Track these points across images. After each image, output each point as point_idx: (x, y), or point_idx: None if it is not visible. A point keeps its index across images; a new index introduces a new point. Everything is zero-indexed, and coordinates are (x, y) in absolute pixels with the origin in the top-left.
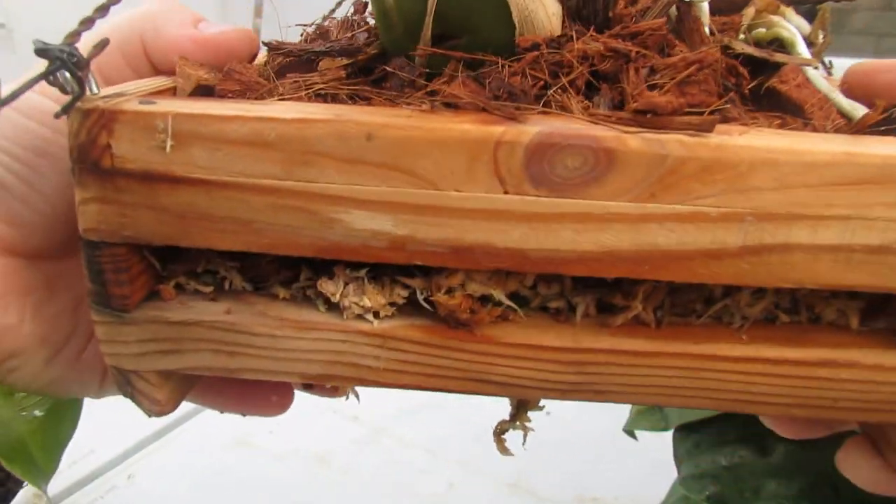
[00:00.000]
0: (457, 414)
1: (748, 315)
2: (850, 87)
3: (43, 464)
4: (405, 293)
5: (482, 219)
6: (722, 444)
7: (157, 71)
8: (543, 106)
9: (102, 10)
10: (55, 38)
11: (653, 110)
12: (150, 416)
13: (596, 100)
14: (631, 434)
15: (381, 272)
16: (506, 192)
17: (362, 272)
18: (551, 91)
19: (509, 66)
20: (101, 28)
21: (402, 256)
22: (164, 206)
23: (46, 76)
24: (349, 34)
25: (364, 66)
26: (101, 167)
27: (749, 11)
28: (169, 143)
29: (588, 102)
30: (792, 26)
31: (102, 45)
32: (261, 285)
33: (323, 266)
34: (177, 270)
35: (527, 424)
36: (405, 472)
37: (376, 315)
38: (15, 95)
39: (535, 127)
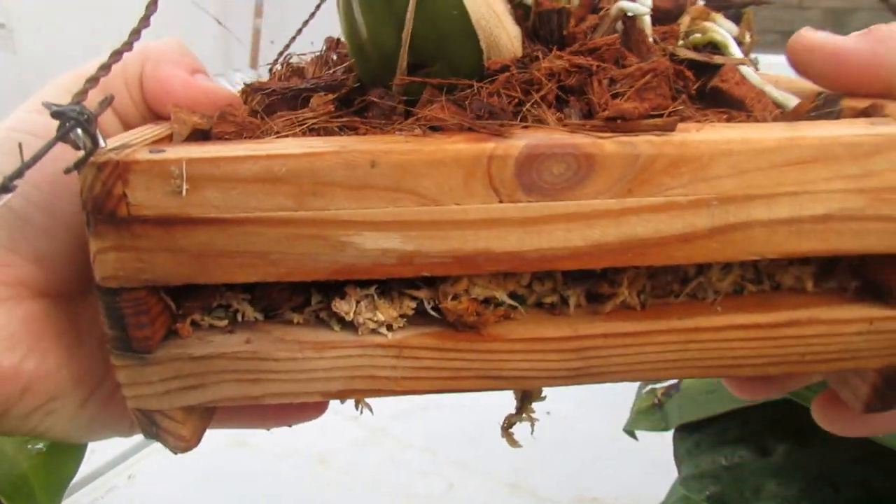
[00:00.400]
0: (456, 414)
1: (719, 289)
2: (798, 64)
3: (45, 502)
4: (413, 304)
5: (481, 227)
6: (722, 444)
7: (146, 99)
8: (521, 121)
9: (105, 69)
10: (55, 39)
11: (621, 116)
12: (176, 453)
13: (567, 111)
14: (631, 434)
15: (388, 287)
16: (501, 202)
17: (372, 289)
18: (526, 107)
19: (485, 88)
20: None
21: (411, 270)
22: (182, 247)
23: (61, 137)
24: (329, 70)
25: (345, 98)
26: (117, 216)
27: (685, 20)
28: (184, 187)
29: (560, 114)
30: (723, 30)
31: (108, 101)
32: (272, 313)
33: (332, 288)
34: (192, 308)
35: (532, 415)
36: (404, 472)
37: (389, 328)
38: (35, 159)
39: (522, 140)
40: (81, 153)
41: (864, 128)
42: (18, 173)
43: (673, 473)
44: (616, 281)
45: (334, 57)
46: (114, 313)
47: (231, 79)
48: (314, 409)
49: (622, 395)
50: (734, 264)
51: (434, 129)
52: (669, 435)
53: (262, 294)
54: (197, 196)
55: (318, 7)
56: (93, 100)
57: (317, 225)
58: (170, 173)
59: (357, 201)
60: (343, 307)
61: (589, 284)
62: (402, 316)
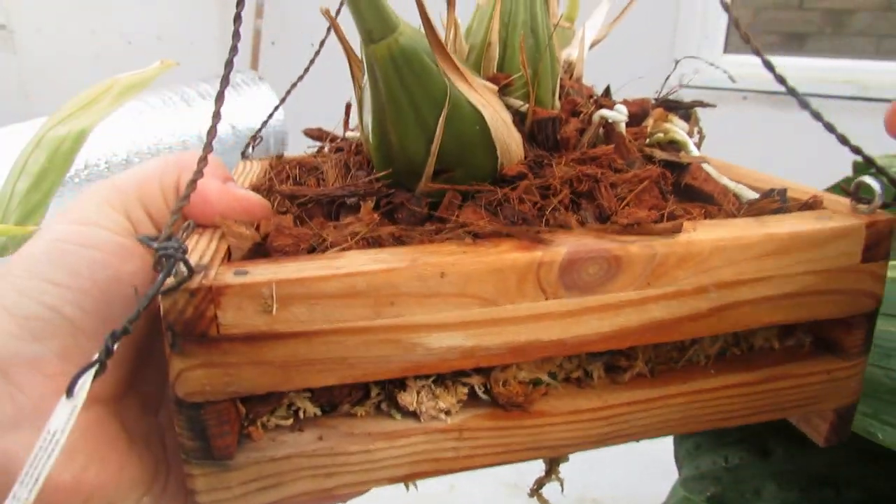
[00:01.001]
0: None
1: (710, 353)
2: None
3: None
4: (465, 389)
5: (531, 321)
6: (722, 446)
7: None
8: (545, 224)
9: (177, 213)
10: (55, 40)
11: (637, 222)
12: None
13: (582, 213)
14: None
15: (443, 376)
16: (547, 299)
17: (430, 380)
18: (548, 211)
19: (509, 193)
20: (149, 164)
21: (472, 362)
22: (268, 360)
23: (168, 274)
24: (347, 173)
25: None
26: (207, 337)
27: (650, 121)
28: (275, 306)
29: (577, 216)
30: (682, 131)
31: (192, 227)
32: (328, 409)
33: (390, 380)
34: (261, 411)
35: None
36: None
37: (448, 413)
38: (149, 298)
39: (563, 248)
40: (171, 280)
41: (817, 222)
42: (136, 316)
43: (673, 474)
44: (632, 355)
45: (353, 159)
46: (196, 426)
47: (232, 80)
48: None
49: None
50: (720, 334)
51: (476, 236)
52: (670, 436)
53: (322, 391)
54: (284, 313)
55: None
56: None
57: (391, 331)
58: (260, 294)
59: (427, 307)
60: (407, 399)
61: (606, 359)
62: (458, 402)
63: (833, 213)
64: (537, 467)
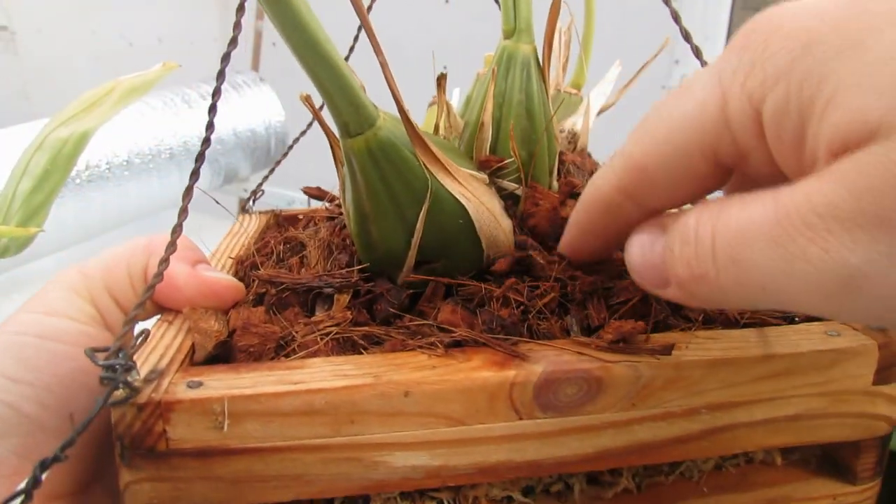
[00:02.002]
0: None
1: (703, 469)
2: None
3: None
4: None
5: (503, 442)
6: None
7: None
8: (526, 330)
9: (132, 323)
10: (56, 41)
11: (623, 339)
12: None
13: (568, 319)
14: None
15: (407, 492)
16: (521, 419)
17: (395, 493)
18: (531, 314)
19: (492, 289)
20: (118, 248)
21: (437, 482)
22: (219, 476)
23: (107, 399)
24: (329, 255)
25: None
26: (155, 451)
27: None
28: (226, 423)
29: (563, 321)
30: None
31: (145, 337)
32: None
33: (350, 499)
34: None
35: None
36: None
37: None
38: (85, 425)
39: (539, 366)
40: (120, 392)
41: (822, 341)
42: (70, 442)
43: None
44: (617, 471)
45: (337, 242)
46: None
47: (233, 81)
48: None
49: None
50: (714, 456)
51: (452, 344)
52: None
53: None
54: (237, 429)
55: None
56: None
57: (351, 449)
58: (211, 410)
59: (390, 426)
60: None
61: (588, 471)
62: None
63: (843, 328)
64: None
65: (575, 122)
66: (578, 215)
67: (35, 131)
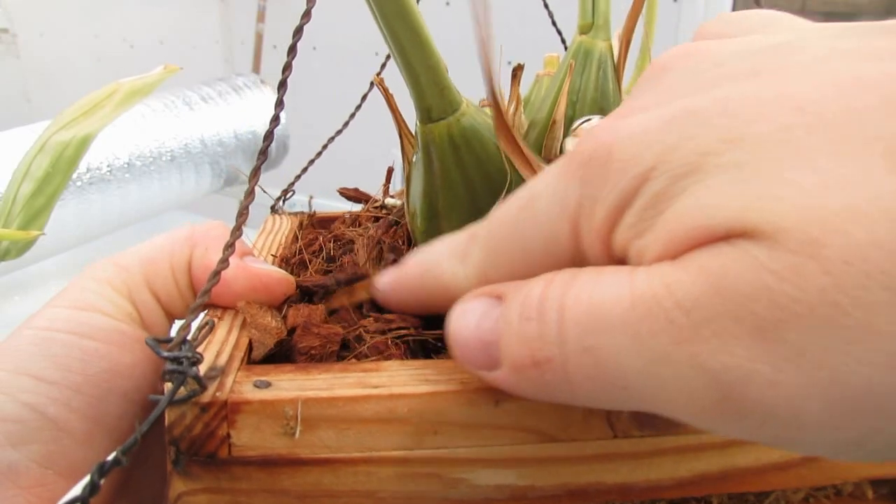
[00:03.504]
0: None
1: (792, 500)
2: None
3: None
4: None
5: (595, 461)
6: None
7: (194, 285)
8: None
9: (196, 312)
10: (58, 44)
11: None
12: None
13: None
14: None
15: None
16: (616, 437)
17: None
18: None
19: None
20: (157, 239)
21: None
22: (285, 489)
23: (175, 391)
24: (380, 255)
25: None
26: (216, 459)
27: None
28: (298, 429)
29: None
30: None
31: (210, 327)
32: None
33: None
34: None
35: None
36: None
37: None
38: (150, 423)
39: None
40: (180, 390)
41: None
42: (133, 444)
43: None
44: (707, 500)
45: (387, 239)
46: None
47: (233, 83)
48: None
49: None
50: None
51: None
52: None
53: None
54: (309, 436)
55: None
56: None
57: (432, 463)
58: (283, 414)
59: (476, 439)
60: None
61: (680, 498)
62: None
63: None
64: None
65: None
66: (414, 290)
67: (36, 134)
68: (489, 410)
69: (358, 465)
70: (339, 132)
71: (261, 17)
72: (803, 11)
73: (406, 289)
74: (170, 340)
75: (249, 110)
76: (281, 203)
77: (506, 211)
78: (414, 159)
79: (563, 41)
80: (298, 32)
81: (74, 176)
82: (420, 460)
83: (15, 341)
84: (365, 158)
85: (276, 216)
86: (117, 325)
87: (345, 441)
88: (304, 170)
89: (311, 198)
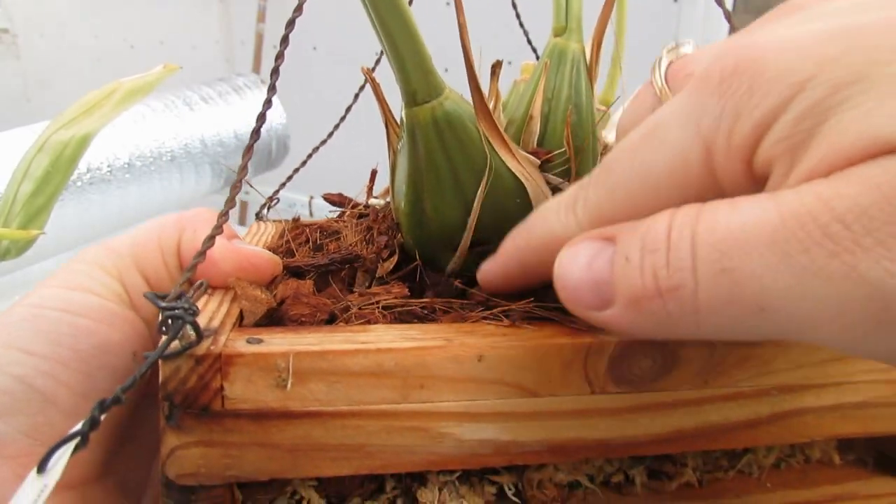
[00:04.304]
0: None
1: (763, 465)
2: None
3: None
4: (493, 489)
5: (574, 417)
6: None
7: (183, 267)
8: None
9: (190, 272)
10: (58, 44)
11: None
12: None
13: None
14: None
15: (468, 472)
16: (593, 392)
17: (454, 476)
18: None
19: None
20: (147, 224)
21: (505, 459)
22: (276, 442)
23: (175, 337)
24: (368, 236)
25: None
26: (209, 411)
27: None
28: (290, 381)
29: None
30: None
31: (205, 287)
32: (336, 502)
33: (407, 474)
34: (259, 500)
35: None
36: None
37: None
38: (147, 366)
39: (615, 337)
40: (175, 344)
41: None
42: (132, 384)
43: None
44: (681, 461)
45: (375, 226)
46: None
47: (234, 83)
48: None
49: None
50: (781, 443)
51: (516, 318)
52: None
53: (332, 480)
54: (300, 389)
55: None
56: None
57: (419, 417)
58: (275, 366)
59: (461, 393)
60: (427, 496)
61: (650, 462)
62: (484, 503)
63: None
64: None
65: (606, 135)
66: (521, 252)
67: (36, 134)
68: (473, 366)
69: (347, 419)
70: (330, 135)
71: (261, 17)
72: None
73: (514, 258)
74: (166, 297)
75: (250, 110)
76: (266, 211)
77: (624, 146)
78: (399, 146)
79: (533, 47)
80: (290, 24)
81: (75, 176)
82: (406, 414)
83: (6, 318)
84: (367, 158)
85: (260, 223)
86: (107, 305)
87: (334, 394)
88: (289, 178)
89: (311, 198)
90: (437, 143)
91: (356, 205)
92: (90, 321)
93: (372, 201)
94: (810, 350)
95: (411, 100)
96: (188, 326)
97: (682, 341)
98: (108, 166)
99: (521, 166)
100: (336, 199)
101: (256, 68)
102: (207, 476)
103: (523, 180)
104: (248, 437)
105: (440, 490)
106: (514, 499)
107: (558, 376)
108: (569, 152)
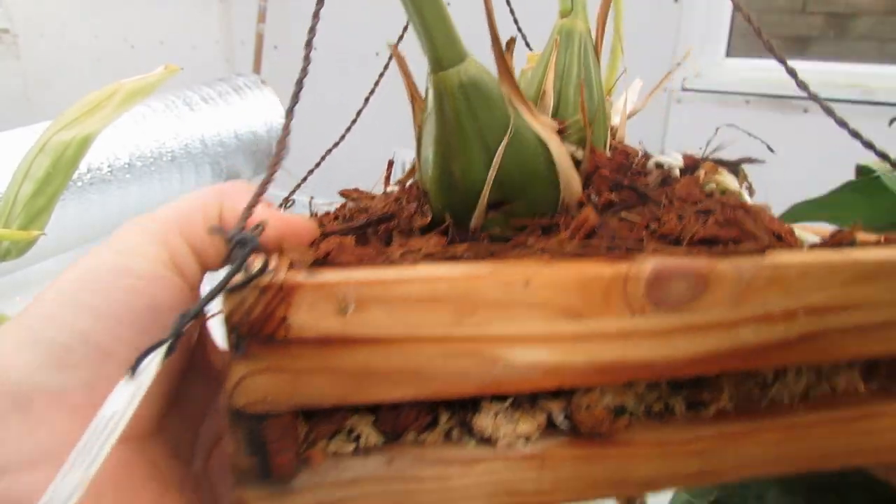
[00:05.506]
0: None
1: (794, 392)
2: None
3: None
4: (544, 416)
5: (618, 339)
6: None
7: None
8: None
9: (251, 207)
10: (59, 45)
11: (714, 239)
12: None
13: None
14: None
15: (519, 400)
16: (633, 315)
17: (506, 403)
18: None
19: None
20: (189, 195)
21: (555, 381)
22: (339, 368)
23: (241, 265)
24: (398, 204)
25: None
26: (275, 339)
27: (701, 172)
28: (351, 307)
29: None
30: (734, 180)
31: (262, 228)
32: (392, 437)
33: (460, 406)
34: (322, 432)
35: None
36: None
37: (527, 440)
38: (224, 284)
39: (650, 263)
40: (239, 276)
41: None
42: (212, 297)
43: None
44: (716, 387)
45: (404, 195)
46: (255, 440)
47: (234, 83)
48: None
49: None
50: (804, 370)
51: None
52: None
53: (388, 415)
54: (361, 316)
55: None
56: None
57: (472, 341)
58: (335, 295)
59: (510, 318)
60: (483, 422)
61: (686, 393)
62: (536, 427)
63: None
64: None
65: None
66: None
67: (37, 134)
68: (520, 290)
69: (405, 345)
70: (342, 137)
71: (261, 17)
72: (803, 12)
73: None
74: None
75: (250, 111)
76: (294, 199)
77: None
78: (426, 114)
79: (526, 41)
80: (312, 31)
81: (75, 176)
82: (460, 339)
83: (60, 281)
84: (366, 158)
85: None
86: (157, 269)
87: (393, 320)
88: (304, 179)
89: (311, 199)
90: (465, 105)
91: (373, 196)
92: (143, 282)
93: (390, 189)
94: (834, 272)
95: (438, 66)
96: (252, 258)
97: (712, 264)
98: (109, 166)
99: (543, 127)
100: (353, 194)
101: (256, 68)
102: (275, 403)
103: (546, 140)
104: (313, 362)
105: (495, 416)
106: (563, 426)
107: (600, 300)
108: (583, 120)
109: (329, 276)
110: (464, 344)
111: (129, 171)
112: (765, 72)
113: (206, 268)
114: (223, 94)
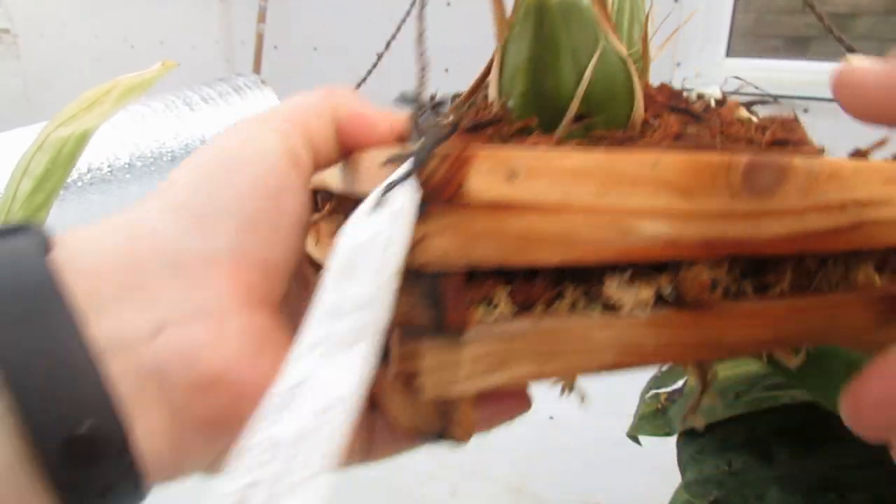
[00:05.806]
0: None
1: (831, 280)
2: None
3: None
4: (654, 287)
5: (720, 219)
6: (726, 450)
7: (341, 132)
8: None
9: (421, 86)
10: (59, 45)
11: (784, 141)
12: (460, 445)
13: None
14: (635, 439)
15: (634, 274)
16: (732, 198)
17: (627, 274)
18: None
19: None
20: (303, 93)
21: (672, 253)
22: (504, 231)
23: (439, 123)
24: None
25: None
26: (453, 202)
27: (732, 104)
28: (520, 176)
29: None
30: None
31: (447, 100)
32: (522, 305)
33: (582, 279)
34: (476, 296)
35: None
36: (409, 476)
37: (646, 306)
38: (429, 146)
39: (745, 157)
40: (415, 143)
41: None
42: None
43: (676, 478)
44: (781, 270)
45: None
46: (433, 296)
47: (234, 83)
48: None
49: (626, 401)
50: (840, 262)
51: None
52: (673, 440)
53: (521, 289)
54: (527, 184)
55: None
56: None
57: (611, 212)
58: (506, 165)
59: (641, 193)
60: (611, 291)
61: (752, 279)
62: (652, 296)
63: None
64: (542, 472)
65: None
66: None
67: (36, 134)
68: (651, 169)
69: (560, 213)
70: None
71: (261, 17)
72: (804, 12)
73: None
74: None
75: (250, 110)
76: None
77: None
78: (513, 33)
79: None
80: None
81: (75, 176)
82: (603, 209)
83: (193, 160)
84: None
85: None
86: (278, 161)
87: (551, 190)
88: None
89: None
90: (562, 23)
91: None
92: (276, 164)
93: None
94: (876, 171)
95: None
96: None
97: (790, 159)
98: (109, 166)
99: (623, 49)
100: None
101: (257, 68)
102: (450, 262)
103: (627, 62)
104: (483, 225)
105: (619, 286)
106: (669, 297)
107: (709, 183)
108: (642, 49)
109: (499, 149)
110: (605, 214)
111: (129, 171)
112: (765, 72)
113: (319, 165)
114: (223, 94)
